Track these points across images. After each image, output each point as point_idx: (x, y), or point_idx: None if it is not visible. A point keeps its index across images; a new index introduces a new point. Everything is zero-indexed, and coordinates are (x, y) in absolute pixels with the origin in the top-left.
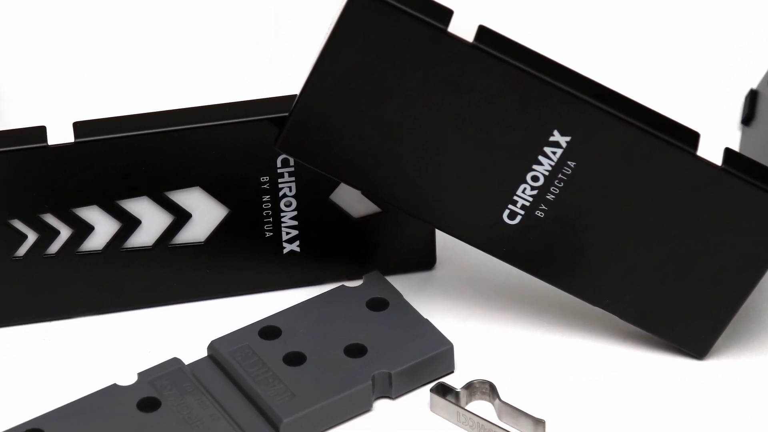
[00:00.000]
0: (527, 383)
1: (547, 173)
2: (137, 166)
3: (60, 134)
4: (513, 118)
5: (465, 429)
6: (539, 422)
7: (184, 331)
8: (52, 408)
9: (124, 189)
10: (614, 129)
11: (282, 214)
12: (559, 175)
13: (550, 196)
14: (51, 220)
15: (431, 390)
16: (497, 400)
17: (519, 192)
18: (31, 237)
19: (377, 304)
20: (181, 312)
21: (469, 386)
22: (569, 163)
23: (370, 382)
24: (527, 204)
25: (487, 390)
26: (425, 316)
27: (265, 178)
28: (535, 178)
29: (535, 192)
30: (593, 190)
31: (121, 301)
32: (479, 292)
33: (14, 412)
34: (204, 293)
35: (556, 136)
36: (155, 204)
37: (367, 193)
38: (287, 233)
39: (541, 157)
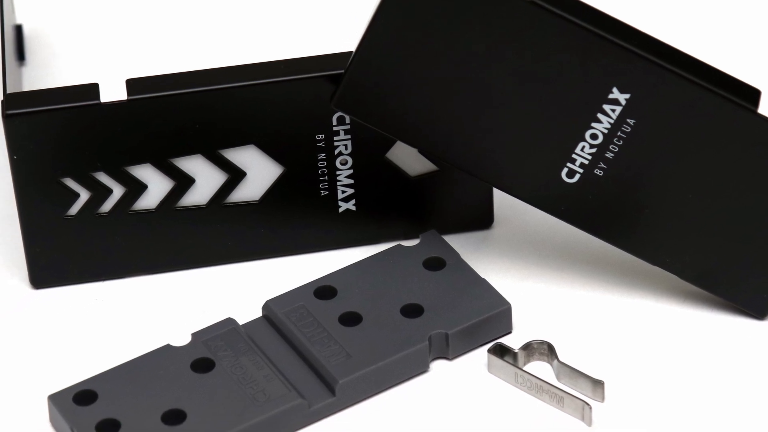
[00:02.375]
0: (586, 344)
1: (606, 131)
2: (191, 123)
3: (113, 92)
4: (572, 75)
5: (523, 390)
6: (598, 383)
7: (238, 291)
8: (105, 369)
9: (178, 147)
10: (674, 86)
11: (337, 173)
12: (619, 133)
13: (609, 155)
14: (104, 178)
15: (489, 351)
16: (555, 361)
17: (578, 150)
18: (84, 196)
19: (434, 264)
20: (235, 272)
21: (527, 347)
22: (629, 120)
23: (427, 342)
24: (586, 162)
25: (546, 351)
26: (483, 276)
27: (321, 136)
28: (594, 136)
29: (593, 150)
30: (653, 148)
31: (175, 261)
32: (537, 251)
33: (67, 373)
34: (258, 253)
35: (615, 94)
36: (209, 162)
37: (423, 152)
38: (343, 192)
39: (600, 115)
